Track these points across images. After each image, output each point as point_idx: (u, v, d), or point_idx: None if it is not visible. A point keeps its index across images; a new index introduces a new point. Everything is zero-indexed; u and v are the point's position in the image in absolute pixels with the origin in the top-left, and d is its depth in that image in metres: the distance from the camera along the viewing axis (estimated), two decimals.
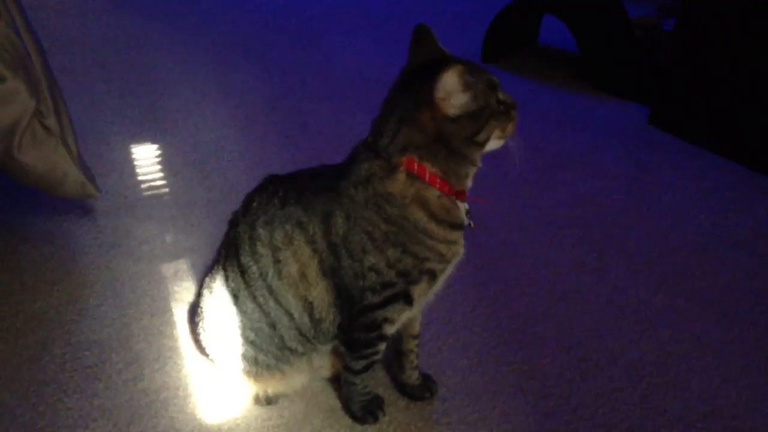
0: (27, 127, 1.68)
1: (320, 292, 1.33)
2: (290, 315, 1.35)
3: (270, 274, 1.33)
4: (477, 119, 1.21)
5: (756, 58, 2.49)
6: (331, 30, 3.78)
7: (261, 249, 1.33)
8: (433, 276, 1.32)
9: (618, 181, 2.49)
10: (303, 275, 1.32)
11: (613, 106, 3.05)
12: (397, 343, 1.54)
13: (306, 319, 1.36)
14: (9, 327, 1.71)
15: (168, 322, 1.76)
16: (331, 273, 1.31)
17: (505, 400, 1.60)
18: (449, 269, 1.35)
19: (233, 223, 1.43)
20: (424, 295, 1.35)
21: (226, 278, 1.40)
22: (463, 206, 1.31)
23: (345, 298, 1.33)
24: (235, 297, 1.39)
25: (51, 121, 1.74)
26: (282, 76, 3.17)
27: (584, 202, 2.35)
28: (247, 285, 1.36)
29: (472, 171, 1.29)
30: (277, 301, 1.34)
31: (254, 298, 1.36)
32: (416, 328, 1.53)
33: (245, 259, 1.36)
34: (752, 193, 2.46)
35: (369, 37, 3.69)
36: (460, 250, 1.33)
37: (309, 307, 1.34)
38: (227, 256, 1.41)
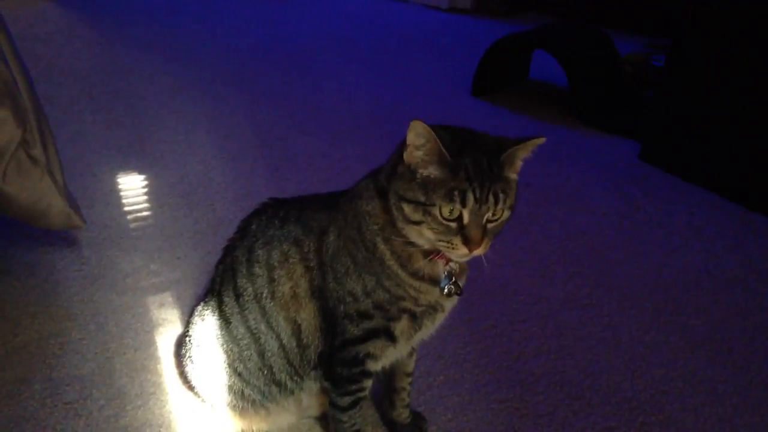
0: (12, 157, 1.66)
1: (308, 314, 1.30)
2: (279, 340, 1.33)
3: (264, 295, 1.31)
4: (413, 190, 1.12)
5: (746, 94, 2.50)
6: (320, 63, 3.79)
7: (258, 270, 1.32)
8: (413, 316, 1.27)
9: (609, 216, 2.49)
10: (294, 295, 1.30)
11: (604, 141, 3.06)
12: (389, 380, 1.51)
13: (294, 343, 1.33)
14: None
15: (152, 356, 1.72)
16: (319, 293, 1.29)
17: None
18: (439, 317, 1.31)
19: (229, 249, 1.41)
20: (409, 334, 1.31)
21: (221, 303, 1.38)
22: (442, 265, 1.23)
23: (329, 323, 1.30)
24: (228, 322, 1.37)
25: (37, 151, 1.72)
26: (271, 108, 3.17)
27: (575, 238, 2.34)
28: (241, 309, 1.34)
29: (421, 242, 1.16)
30: (269, 324, 1.32)
31: (247, 322, 1.34)
32: (410, 366, 1.49)
33: (242, 281, 1.34)
34: (743, 229, 2.46)
35: (358, 70, 3.71)
36: (442, 303, 1.28)
37: (297, 330, 1.32)
38: (222, 282, 1.39)
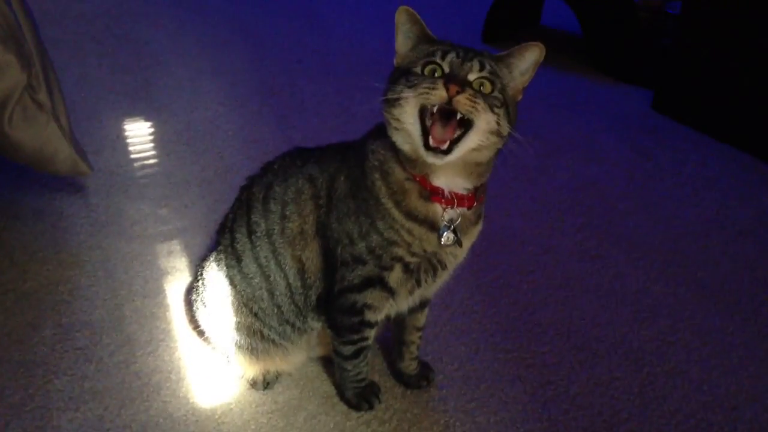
0: (18, 102, 1.64)
1: (312, 253, 1.31)
2: (286, 279, 1.34)
3: (276, 231, 1.32)
4: (397, 69, 1.16)
5: (762, 43, 2.45)
6: (329, 8, 3.72)
7: (273, 206, 1.32)
8: (406, 267, 1.26)
9: (619, 166, 2.46)
10: (302, 231, 1.30)
11: (616, 90, 3.01)
12: (399, 332, 1.51)
13: (299, 283, 1.34)
14: None
15: (161, 303, 1.72)
16: (322, 232, 1.29)
17: (503, 388, 1.58)
18: (441, 275, 1.30)
19: (246, 187, 1.42)
20: (407, 288, 1.30)
21: (233, 240, 1.38)
22: (439, 209, 1.20)
23: (329, 264, 1.30)
24: (240, 260, 1.37)
25: (42, 96, 1.70)
26: (278, 53, 3.13)
27: (585, 188, 2.32)
28: (253, 246, 1.35)
29: (402, 141, 1.15)
30: (277, 263, 1.33)
31: (258, 259, 1.35)
32: (421, 321, 1.50)
33: (256, 218, 1.35)
34: (756, 181, 2.43)
35: (367, 16, 3.64)
36: (443, 258, 1.26)
37: (302, 269, 1.32)
38: (236, 219, 1.40)
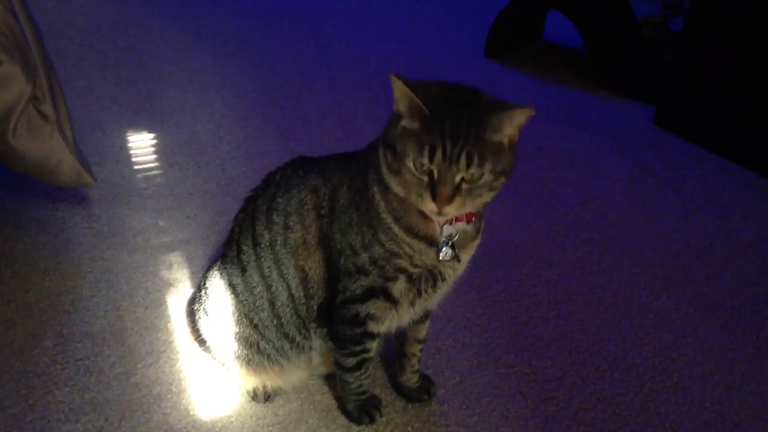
0: (22, 113, 1.65)
1: (315, 263, 1.32)
2: (289, 289, 1.34)
3: (278, 241, 1.32)
4: (395, 138, 1.13)
5: (765, 59, 2.46)
6: (333, 20, 3.74)
7: (276, 217, 1.33)
8: (410, 278, 1.27)
9: (621, 182, 2.47)
10: (304, 242, 1.31)
11: (618, 105, 3.02)
12: (400, 345, 1.51)
13: (302, 293, 1.34)
14: (0, 317, 1.68)
15: (162, 315, 1.73)
16: (325, 242, 1.29)
17: (505, 402, 1.58)
18: (441, 286, 1.31)
19: (251, 199, 1.42)
20: (409, 298, 1.31)
21: (239, 252, 1.39)
22: (438, 225, 1.21)
23: (332, 274, 1.31)
24: (244, 271, 1.38)
25: (47, 107, 1.71)
26: (281, 66, 3.14)
27: (587, 203, 2.32)
28: (257, 256, 1.35)
29: (396, 189, 1.16)
30: (280, 272, 1.33)
31: (261, 269, 1.35)
32: (422, 333, 1.50)
33: (260, 229, 1.35)
34: (757, 196, 2.43)
35: (371, 28, 3.66)
36: (442, 270, 1.27)
37: (305, 279, 1.33)
38: (242, 231, 1.41)
